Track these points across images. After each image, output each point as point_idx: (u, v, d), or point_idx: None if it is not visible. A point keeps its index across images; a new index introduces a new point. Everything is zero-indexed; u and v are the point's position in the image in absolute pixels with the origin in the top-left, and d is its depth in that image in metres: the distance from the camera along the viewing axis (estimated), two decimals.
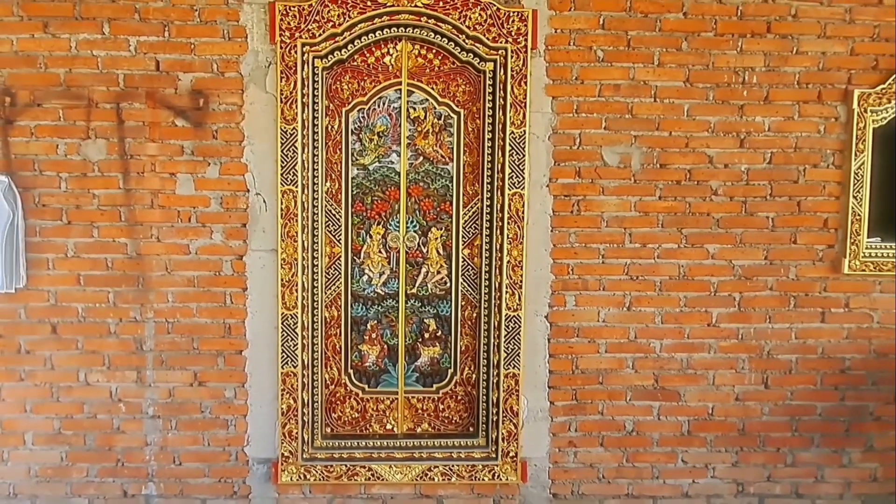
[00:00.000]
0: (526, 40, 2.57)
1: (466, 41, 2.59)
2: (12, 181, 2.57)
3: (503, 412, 2.74)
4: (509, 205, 2.64)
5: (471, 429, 2.83)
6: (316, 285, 2.71)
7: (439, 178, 2.73)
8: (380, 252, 2.76)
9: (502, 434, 2.74)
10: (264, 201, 2.65)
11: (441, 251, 2.77)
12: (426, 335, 2.81)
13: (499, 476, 2.76)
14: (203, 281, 2.68)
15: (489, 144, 2.67)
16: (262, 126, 2.60)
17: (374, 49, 2.64)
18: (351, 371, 2.82)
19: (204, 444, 2.75)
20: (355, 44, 2.60)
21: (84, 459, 2.73)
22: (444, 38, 2.61)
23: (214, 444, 2.75)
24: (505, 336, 2.70)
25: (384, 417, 2.84)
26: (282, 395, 2.69)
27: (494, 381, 2.74)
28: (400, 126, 2.70)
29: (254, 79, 2.60)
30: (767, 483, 2.87)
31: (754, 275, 2.77)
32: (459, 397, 2.85)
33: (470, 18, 2.56)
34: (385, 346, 2.81)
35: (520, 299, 2.69)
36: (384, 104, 2.69)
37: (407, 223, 2.75)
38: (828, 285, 2.79)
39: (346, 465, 2.73)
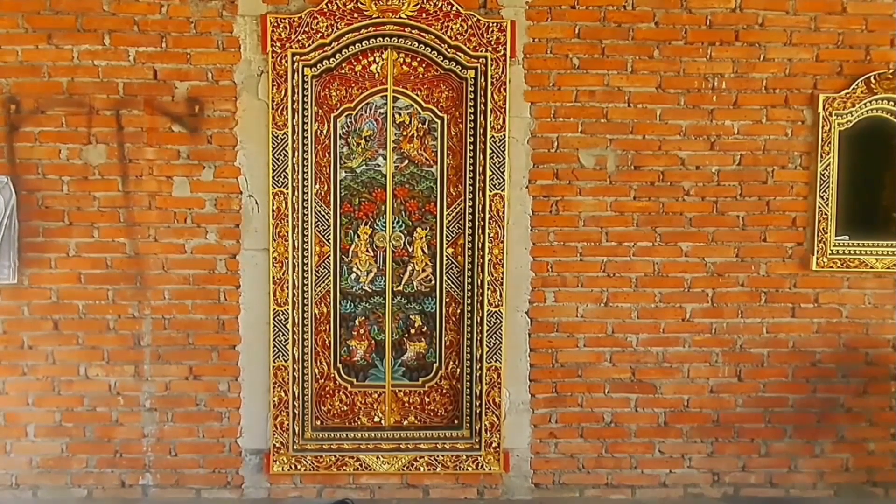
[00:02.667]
0: (505, 49, 2.71)
1: (448, 50, 2.72)
2: (15, 183, 2.69)
3: (486, 405, 2.85)
4: (490, 205, 2.76)
5: (455, 421, 2.93)
6: (306, 283, 2.83)
7: (424, 180, 2.86)
8: (367, 251, 2.88)
9: (485, 426, 2.85)
10: (256, 203, 2.77)
11: (426, 250, 2.89)
12: (412, 331, 2.93)
13: (482, 466, 2.87)
14: (198, 279, 2.79)
15: (471, 148, 2.79)
16: (255, 131, 2.73)
17: (360, 58, 2.78)
18: (340, 365, 2.93)
19: (199, 435, 2.85)
20: (343, 53, 2.73)
21: (84, 451, 2.84)
22: (427, 48, 2.74)
23: (209, 436, 2.85)
24: (487, 331, 2.81)
25: (372, 410, 2.95)
26: (273, 388, 2.80)
27: (478, 374, 2.84)
28: (386, 130, 2.83)
29: (246, 87, 2.73)
30: (742, 473, 2.96)
31: (726, 271, 2.88)
32: (444, 390, 2.95)
33: (451, 29, 2.70)
34: (372, 342, 2.93)
35: (501, 296, 2.80)
36: (371, 110, 2.82)
37: (393, 223, 2.87)
38: (797, 281, 2.90)
39: (335, 456, 2.84)
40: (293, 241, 2.76)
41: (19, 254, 2.70)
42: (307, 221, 2.80)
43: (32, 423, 2.82)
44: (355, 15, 2.68)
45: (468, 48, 2.71)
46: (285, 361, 2.79)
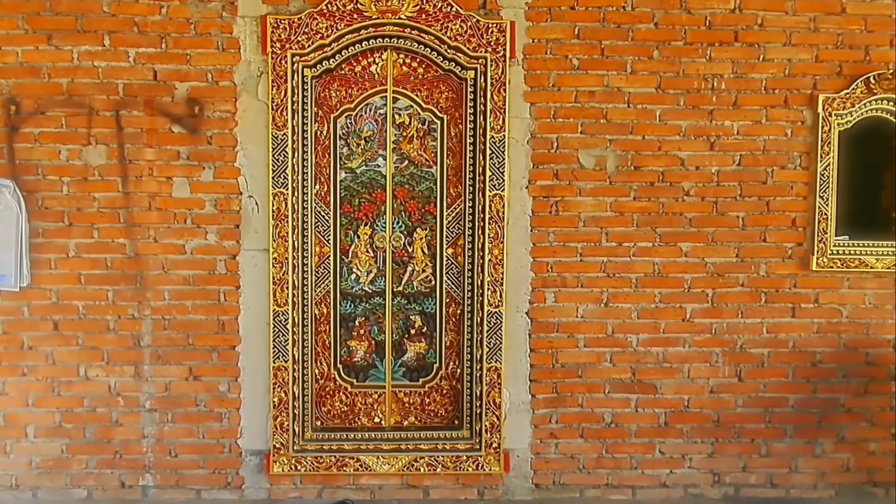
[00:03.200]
0: (505, 50, 2.71)
1: (448, 51, 2.73)
2: (17, 185, 2.70)
3: (486, 405, 2.85)
4: (490, 206, 2.76)
5: (455, 421, 2.93)
6: (306, 283, 2.83)
7: (424, 180, 2.86)
8: (367, 251, 2.89)
9: (486, 426, 2.84)
10: (256, 203, 2.78)
11: (426, 250, 2.89)
12: (412, 331, 2.93)
13: (483, 467, 2.86)
14: (198, 279, 2.79)
15: (471, 148, 2.80)
16: (255, 132, 2.73)
17: (360, 58, 2.78)
18: (340, 366, 2.93)
19: (199, 436, 2.85)
20: (343, 54, 2.73)
21: (84, 451, 2.83)
22: (427, 48, 2.74)
23: (209, 437, 2.85)
24: (487, 332, 2.81)
25: (372, 411, 2.95)
26: (273, 388, 2.80)
27: (478, 375, 2.84)
28: (386, 131, 2.83)
29: (246, 87, 2.73)
30: (743, 473, 2.96)
31: (726, 272, 2.88)
32: (444, 391, 2.95)
33: (451, 30, 2.70)
34: (373, 342, 2.93)
35: (501, 296, 2.80)
36: (371, 110, 2.83)
37: (393, 224, 2.87)
38: (797, 282, 2.90)
39: (335, 457, 2.84)
40: (293, 242, 2.76)
41: (29, 256, 2.72)
42: (307, 222, 2.80)
43: (32, 424, 2.82)
44: (355, 16, 2.68)
45: (468, 49, 2.71)
46: (285, 362, 2.79)
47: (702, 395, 2.92)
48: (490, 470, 2.86)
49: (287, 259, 2.75)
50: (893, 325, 2.92)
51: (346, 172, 2.85)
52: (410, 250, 2.89)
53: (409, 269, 2.90)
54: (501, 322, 2.81)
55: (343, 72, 2.79)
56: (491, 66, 2.71)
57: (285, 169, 2.72)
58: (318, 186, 2.83)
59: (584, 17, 2.76)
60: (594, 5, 2.75)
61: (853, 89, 2.80)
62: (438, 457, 2.86)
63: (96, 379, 2.81)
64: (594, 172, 2.82)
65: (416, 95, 2.82)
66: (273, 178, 2.72)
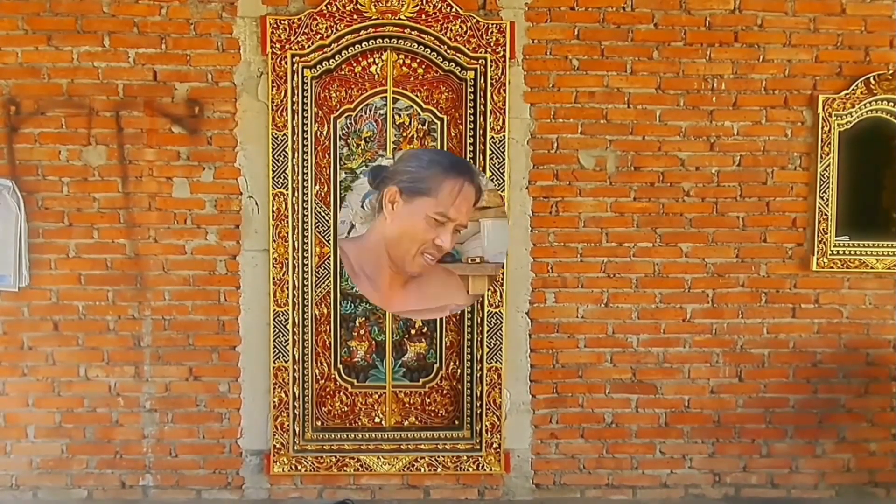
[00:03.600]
0: (504, 50, 2.71)
1: (448, 51, 2.73)
2: (16, 185, 2.70)
3: (487, 405, 2.84)
4: None
5: (456, 422, 2.93)
6: (306, 283, 2.83)
7: None
8: None
9: (486, 426, 2.84)
10: (256, 204, 2.78)
11: None
12: (412, 331, 2.92)
13: (483, 467, 2.86)
14: (198, 280, 2.79)
15: (471, 149, 2.79)
16: (255, 132, 2.73)
17: (360, 59, 2.78)
18: (340, 366, 2.93)
19: (199, 436, 2.85)
20: (342, 54, 2.73)
21: (84, 452, 2.83)
22: (426, 49, 2.74)
23: (209, 437, 2.85)
24: (488, 332, 2.81)
25: (372, 411, 2.95)
26: (274, 388, 2.80)
27: (478, 375, 2.84)
28: (386, 132, 2.83)
29: (246, 88, 2.73)
30: (743, 473, 2.96)
31: (726, 272, 2.88)
32: (445, 391, 2.95)
33: (451, 30, 2.70)
34: (373, 342, 2.93)
35: (501, 296, 2.80)
36: (371, 111, 2.83)
37: None
38: (797, 282, 2.90)
39: (335, 457, 2.84)
40: (293, 242, 2.76)
41: (29, 256, 2.73)
42: (307, 222, 2.80)
43: (32, 424, 2.82)
44: (355, 16, 2.68)
45: (468, 49, 2.71)
46: (286, 362, 2.79)
47: (702, 395, 2.92)
48: (490, 470, 2.86)
49: (287, 259, 2.75)
50: (894, 326, 2.92)
51: (346, 173, 2.85)
52: None
53: None
54: (502, 322, 2.81)
55: (343, 72, 2.79)
56: (491, 66, 2.71)
57: (285, 169, 2.72)
58: (318, 187, 2.83)
59: (583, 17, 2.76)
60: (594, 6, 2.75)
61: (853, 90, 2.80)
62: (439, 457, 2.85)
63: (96, 379, 2.81)
64: (594, 173, 2.82)
65: (416, 96, 2.82)
66: (273, 178, 2.72)
